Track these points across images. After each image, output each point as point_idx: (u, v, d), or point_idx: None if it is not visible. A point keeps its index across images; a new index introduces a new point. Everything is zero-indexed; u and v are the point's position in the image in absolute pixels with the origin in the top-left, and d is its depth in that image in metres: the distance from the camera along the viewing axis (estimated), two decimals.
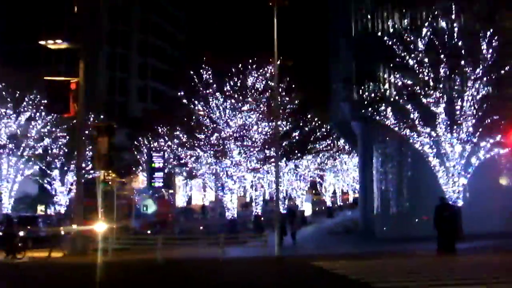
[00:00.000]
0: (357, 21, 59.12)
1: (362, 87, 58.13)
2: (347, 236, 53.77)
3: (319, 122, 61.71)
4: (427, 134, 38.80)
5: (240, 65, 48.14)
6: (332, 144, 69.27)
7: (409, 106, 38.49)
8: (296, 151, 56.02)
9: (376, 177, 49.99)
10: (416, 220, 46.50)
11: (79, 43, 41.63)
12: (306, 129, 57.76)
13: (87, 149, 62.31)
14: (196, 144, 48.85)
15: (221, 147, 47.72)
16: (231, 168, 48.06)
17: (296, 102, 51.62)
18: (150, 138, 73.83)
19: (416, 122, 38.90)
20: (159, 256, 32.19)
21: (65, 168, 62.43)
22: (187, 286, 23.27)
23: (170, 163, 75.36)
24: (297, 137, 54.42)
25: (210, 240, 41.57)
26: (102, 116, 65.82)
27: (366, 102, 48.75)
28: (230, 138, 47.51)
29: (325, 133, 64.52)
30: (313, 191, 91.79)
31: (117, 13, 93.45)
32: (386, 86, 52.82)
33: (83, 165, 62.80)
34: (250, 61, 47.79)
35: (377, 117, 40.29)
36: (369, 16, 58.02)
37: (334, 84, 63.04)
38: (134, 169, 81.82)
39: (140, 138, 78.46)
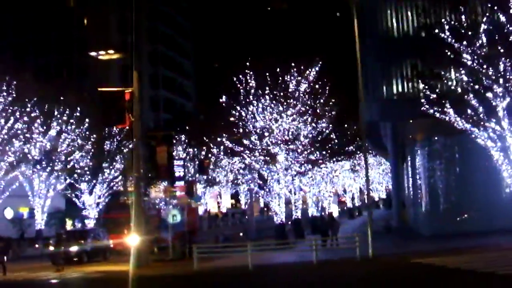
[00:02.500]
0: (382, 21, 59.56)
1: (395, 86, 58.48)
2: (390, 235, 53.47)
3: (350, 126, 61.66)
4: (491, 128, 38.62)
5: (278, 69, 47.79)
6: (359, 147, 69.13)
7: (474, 102, 38.26)
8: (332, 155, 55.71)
9: (423, 175, 49.81)
10: (465, 216, 46.39)
11: (129, 53, 41.12)
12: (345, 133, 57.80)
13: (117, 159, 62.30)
14: (241, 150, 48.34)
15: (268, 152, 47.34)
16: (280, 173, 47.73)
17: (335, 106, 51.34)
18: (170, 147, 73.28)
19: (478, 116, 38.65)
20: (249, 263, 31.75)
21: (93, 182, 61.85)
22: None
23: (190, 172, 75.07)
24: (336, 141, 54.36)
25: (264, 245, 41.47)
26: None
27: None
28: (276, 142, 47.20)
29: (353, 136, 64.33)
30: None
31: (125, 24, 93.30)
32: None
33: (111, 177, 63.10)
34: (293, 64, 47.50)
35: (436, 114, 39.98)
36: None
37: (364, 85, 62.86)
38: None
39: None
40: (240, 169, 54.70)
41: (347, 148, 60.70)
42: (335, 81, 51.21)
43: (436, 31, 39.88)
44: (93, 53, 40.79)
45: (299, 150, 47.91)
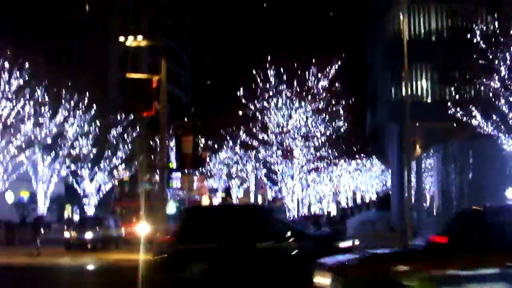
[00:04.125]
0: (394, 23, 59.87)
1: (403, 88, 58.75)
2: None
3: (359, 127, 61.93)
4: None
5: (295, 64, 47.81)
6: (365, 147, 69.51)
7: (505, 108, 38.43)
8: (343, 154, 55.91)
9: (436, 178, 50.05)
10: None
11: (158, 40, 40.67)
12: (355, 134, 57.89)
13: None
14: (258, 144, 48.27)
15: (285, 147, 47.33)
16: (297, 169, 47.71)
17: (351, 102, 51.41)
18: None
19: (507, 122, 38.85)
20: None
21: (95, 169, 61.60)
22: None
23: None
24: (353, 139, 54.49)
25: None
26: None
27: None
28: (294, 138, 47.19)
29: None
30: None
31: (127, 14, 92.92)
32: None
33: (113, 165, 62.93)
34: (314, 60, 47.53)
35: (464, 117, 40.13)
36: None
37: (374, 87, 63.15)
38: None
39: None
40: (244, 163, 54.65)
41: (358, 148, 60.62)
42: (346, 82, 51.33)
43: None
44: (121, 39, 39.94)
45: (315, 147, 47.90)
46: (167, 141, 73.20)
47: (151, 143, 71.69)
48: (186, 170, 73.65)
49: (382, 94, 59.92)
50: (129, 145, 63.73)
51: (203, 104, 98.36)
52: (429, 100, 58.69)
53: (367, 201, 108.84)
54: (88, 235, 43.00)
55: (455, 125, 46.14)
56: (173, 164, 72.59)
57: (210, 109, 76.15)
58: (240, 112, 50.84)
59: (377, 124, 62.93)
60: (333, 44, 50.44)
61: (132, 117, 63.44)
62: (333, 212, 74.47)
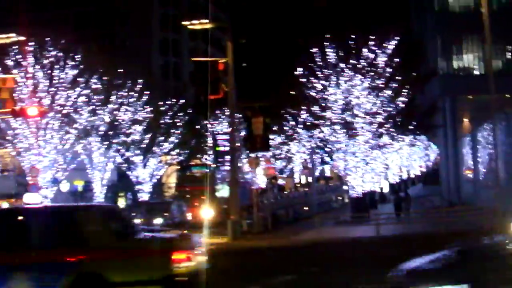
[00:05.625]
0: None
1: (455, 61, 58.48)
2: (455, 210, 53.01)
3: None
4: None
5: (353, 42, 47.22)
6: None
7: None
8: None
9: (501, 150, 49.37)
10: None
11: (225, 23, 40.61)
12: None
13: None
14: (321, 123, 47.73)
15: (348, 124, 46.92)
16: (361, 146, 47.27)
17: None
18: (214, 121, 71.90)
19: None
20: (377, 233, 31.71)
21: (148, 155, 61.71)
22: None
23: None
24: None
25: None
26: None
27: None
28: (356, 115, 46.77)
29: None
30: None
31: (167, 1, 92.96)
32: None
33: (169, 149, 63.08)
34: (373, 37, 46.84)
35: None
36: None
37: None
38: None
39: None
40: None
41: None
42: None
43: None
44: (185, 23, 39.96)
45: (378, 124, 47.44)
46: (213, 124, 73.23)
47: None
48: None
49: (433, 68, 59.57)
50: (180, 129, 63.85)
51: (244, 86, 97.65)
52: (480, 72, 58.24)
53: (412, 176, 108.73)
54: (157, 220, 43.06)
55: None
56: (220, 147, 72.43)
57: (253, 91, 75.40)
58: (293, 92, 50.31)
59: (427, 98, 62.55)
60: (379, 17, 49.25)
61: (184, 101, 63.68)
62: (385, 189, 74.26)
